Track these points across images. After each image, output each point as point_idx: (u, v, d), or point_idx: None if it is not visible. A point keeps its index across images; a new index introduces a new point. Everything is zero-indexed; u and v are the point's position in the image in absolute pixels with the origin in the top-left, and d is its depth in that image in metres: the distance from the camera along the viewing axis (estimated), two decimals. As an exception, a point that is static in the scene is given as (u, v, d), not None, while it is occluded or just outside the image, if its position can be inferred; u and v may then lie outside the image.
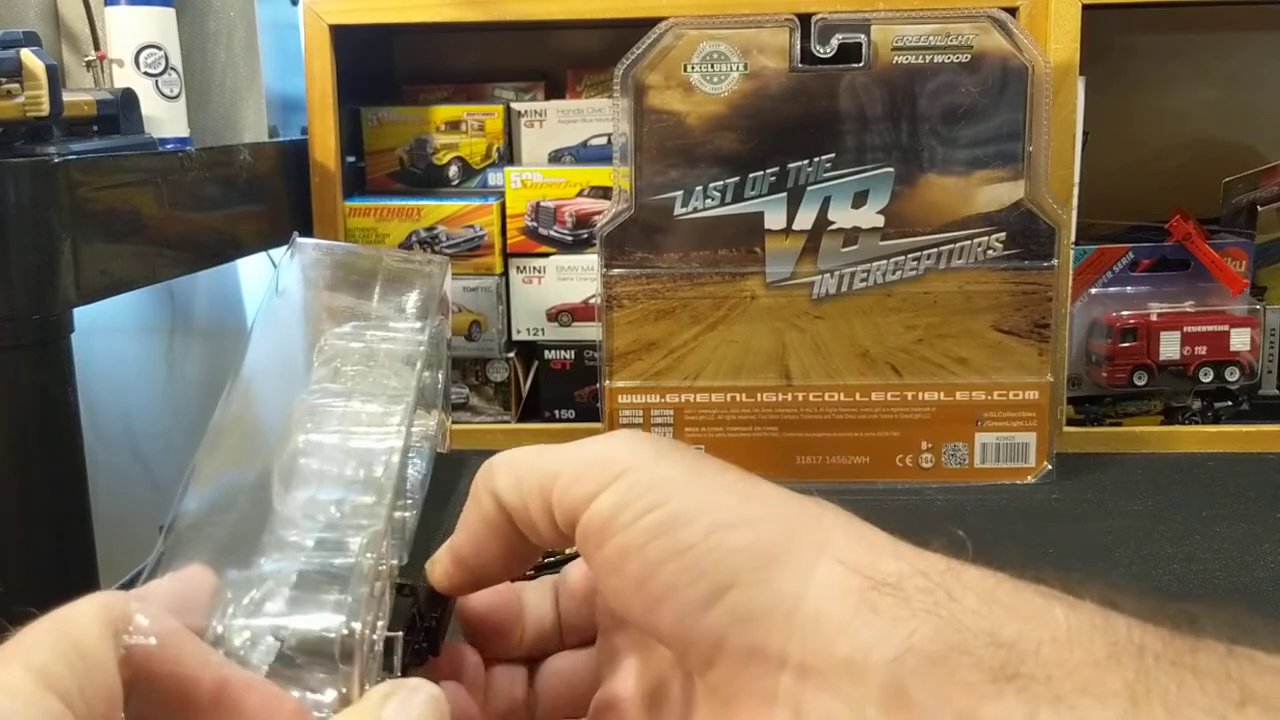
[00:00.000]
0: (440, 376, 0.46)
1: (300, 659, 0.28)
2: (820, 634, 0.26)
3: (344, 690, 0.28)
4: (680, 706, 0.30)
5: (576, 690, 0.34)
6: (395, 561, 0.33)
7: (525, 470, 0.30)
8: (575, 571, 0.35)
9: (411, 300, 0.45)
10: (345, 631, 0.28)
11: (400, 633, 0.31)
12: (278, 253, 0.98)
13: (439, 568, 0.33)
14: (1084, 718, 0.23)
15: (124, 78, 0.74)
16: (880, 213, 0.71)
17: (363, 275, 0.46)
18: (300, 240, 0.46)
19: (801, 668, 0.26)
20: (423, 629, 0.32)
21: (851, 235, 0.72)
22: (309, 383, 0.39)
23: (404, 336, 0.41)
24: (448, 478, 0.71)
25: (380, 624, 0.30)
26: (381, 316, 0.44)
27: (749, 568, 0.27)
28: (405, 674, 0.30)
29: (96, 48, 0.78)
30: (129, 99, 0.70)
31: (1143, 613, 0.25)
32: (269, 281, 0.44)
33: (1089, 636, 0.24)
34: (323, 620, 0.28)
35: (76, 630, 0.24)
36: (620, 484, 0.28)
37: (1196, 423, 0.82)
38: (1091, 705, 0.23)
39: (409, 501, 0.38)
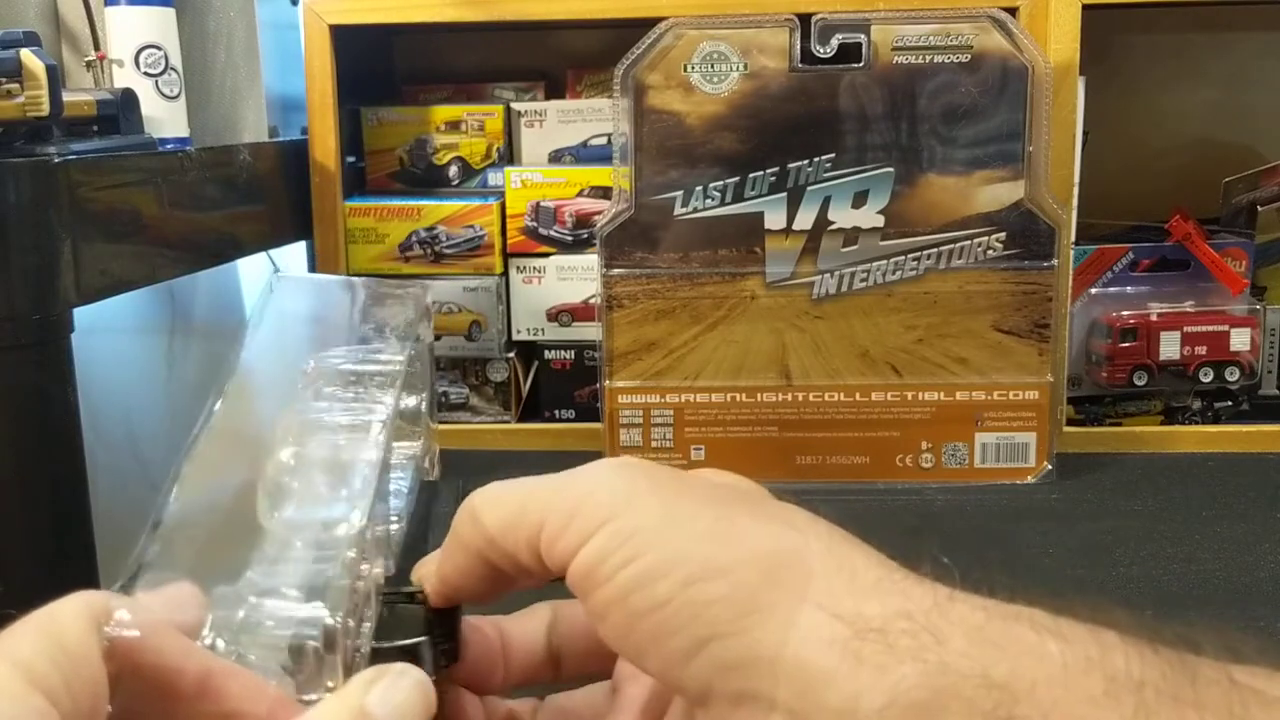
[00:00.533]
0: (423, 401, 0.46)
1: (288, 661, 0.28)
2: (807, 683, 0.26)
3: (331, 684, 0.28)
4: None
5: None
6: (379, 569, 0.33)
7: (509, 521, 0.31)
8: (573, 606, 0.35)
9: (390, 326, 0.45)
10: (329, 621, 0.28)
11: (425, 638, 0.31)
12: (278, 253, 0.98)
13: (427, 584, 0.33)
14: None
15: (124, 78, 0.74)
16: (880, 213, 0.71)
17: (344, 302, 0.46)
18: (280, 274, 0.47)
19: (792, 712, 0.26)
20: (440, 634, 0.32)
21: (851, 235, 0.72)
22: (293, 402, 0.39)
23: (385, 359, 0.41)
24: (447, 477, 0.71)
25: (367, 625, 0.30)
26: (363, 341, 0.44)
27: (727, 618, 0.26)
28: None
29: (96, 48, 0.78)
30: (129, 99, 0.70)
31: (1139, 639, 0.25)
32: (257, 301, 0.44)
33: (1085, 671, 0.24)
34: (306, 612, 0.28)
35: (60, 627, 0.24)
36: (600, 536, 0.28)
37: (1196, 423, 0.82)
38: None
39: (394, 517, 0.38)
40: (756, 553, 0.28)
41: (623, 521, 0.28)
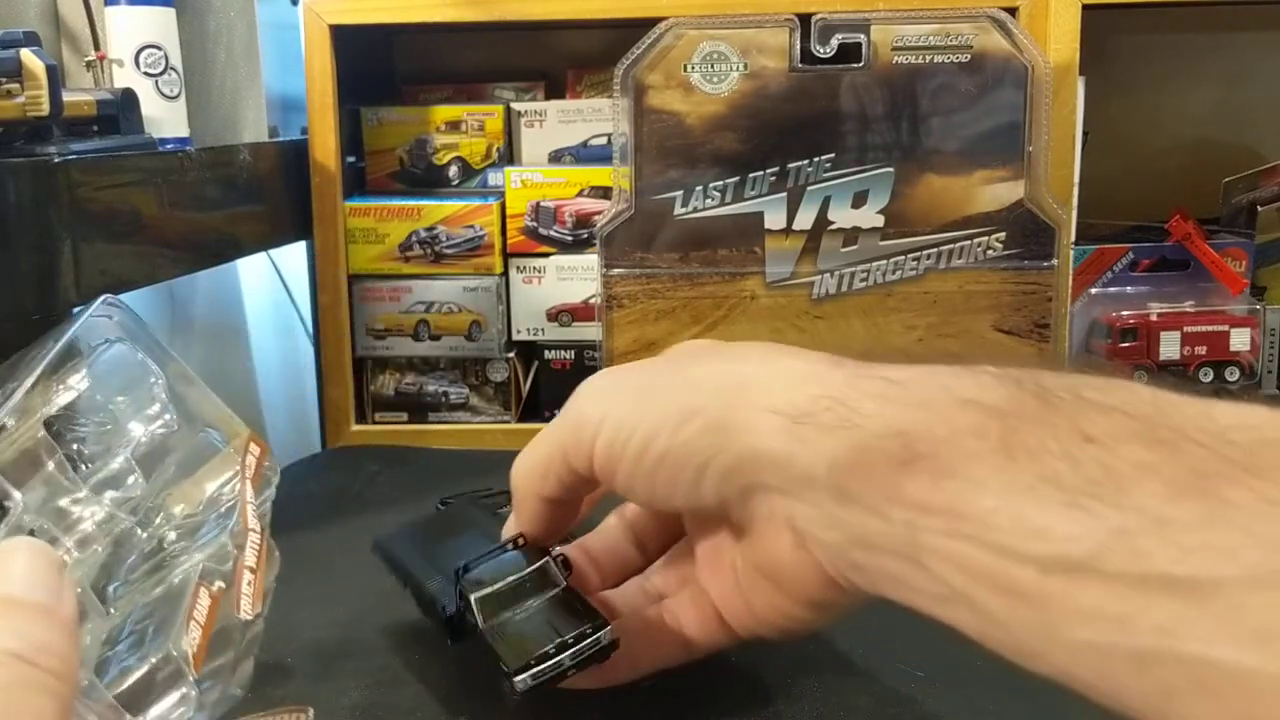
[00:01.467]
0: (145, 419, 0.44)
1: None
2: (776, 464, 0.34)
3: None
4: (733, 536, 0.40)
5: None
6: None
7: (542, 465, 0.42)
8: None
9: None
10: None
11: (546, 558, 0.42)
12: (278, 253, 0.98)
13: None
14: (970, 475, 0.30)
15: (124, 78, 0.74)
16: (880, 212, 0.71)
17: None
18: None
19: (781, 489, 0.35)
20: (554, 556, 0.43)
21: (851, 235, 0.72)
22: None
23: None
24: (445, 472, 0.71)
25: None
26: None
27: (710, 442, 0.36)
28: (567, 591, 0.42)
29: (96, 48, 0.78)
30: (129, 99, 0.70)
31: (1008, 377, 0.33)
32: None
33: (963, 409, 0.31)
34: None
35: None
36: (601, 436, 0.38)
37: (1196, 423, 0.81)
38: (974, 465, 0.30)
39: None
40: (713, 390, 0.36)
41: (610, 418, 0.38)
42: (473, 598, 0.41)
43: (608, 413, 0.38)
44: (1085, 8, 0.76)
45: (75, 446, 0.39)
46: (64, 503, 0.37)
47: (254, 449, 0.43)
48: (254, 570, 0.39)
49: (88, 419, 0.40)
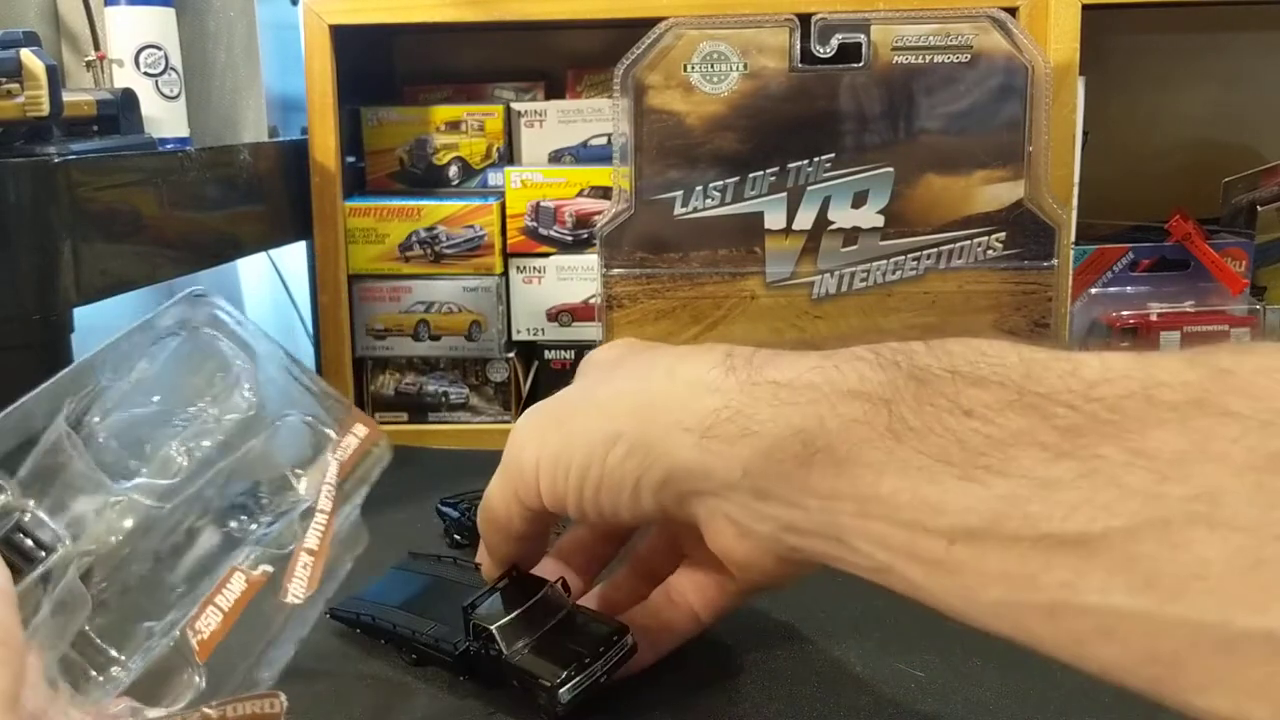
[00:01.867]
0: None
1: None
2: (699, 473, 0.37)
3: None
4: (690, 542, 0.43)
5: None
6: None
7: (501, 513, 0.44)
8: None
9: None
10: None
11: (547, 585, 0.44)
12: (278, 253, 0.98)
13: (498, 571, 0.46)
14: (867, 460, 0.32)
15: (124, 78, 0.74)
16: (880, 213, 0.71)
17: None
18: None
19: (709, 492, 0.38)
20: (553, 582, 0.45)
21: (851, 235, 0.72)
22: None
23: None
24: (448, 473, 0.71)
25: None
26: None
27: (638, 462, 0.38)
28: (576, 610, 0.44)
29: (96, 48, 0.78)
30: (129, 99, 0.70)
31: (888, 360, 0.34)
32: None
33: (851, 398, 0.33)
34: None
35: None
36: (542, 476, 0.41)
37: (1196, 423, 0.81)
38: (868, 451, 0.32)
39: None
40: (627, 412, 0.39)
41: (544, 456, 0.41)
42: (493, 628, 0.42)
43: (540, 452, 0.41)
44: (1085, 8, 0.76)
45: (130, 438, 0.39)
46: (79, 499, 0.37)
47: (358, 429, 0.43)
48: (313, 553, 0.38)
49: (146, 409, 0.40)
